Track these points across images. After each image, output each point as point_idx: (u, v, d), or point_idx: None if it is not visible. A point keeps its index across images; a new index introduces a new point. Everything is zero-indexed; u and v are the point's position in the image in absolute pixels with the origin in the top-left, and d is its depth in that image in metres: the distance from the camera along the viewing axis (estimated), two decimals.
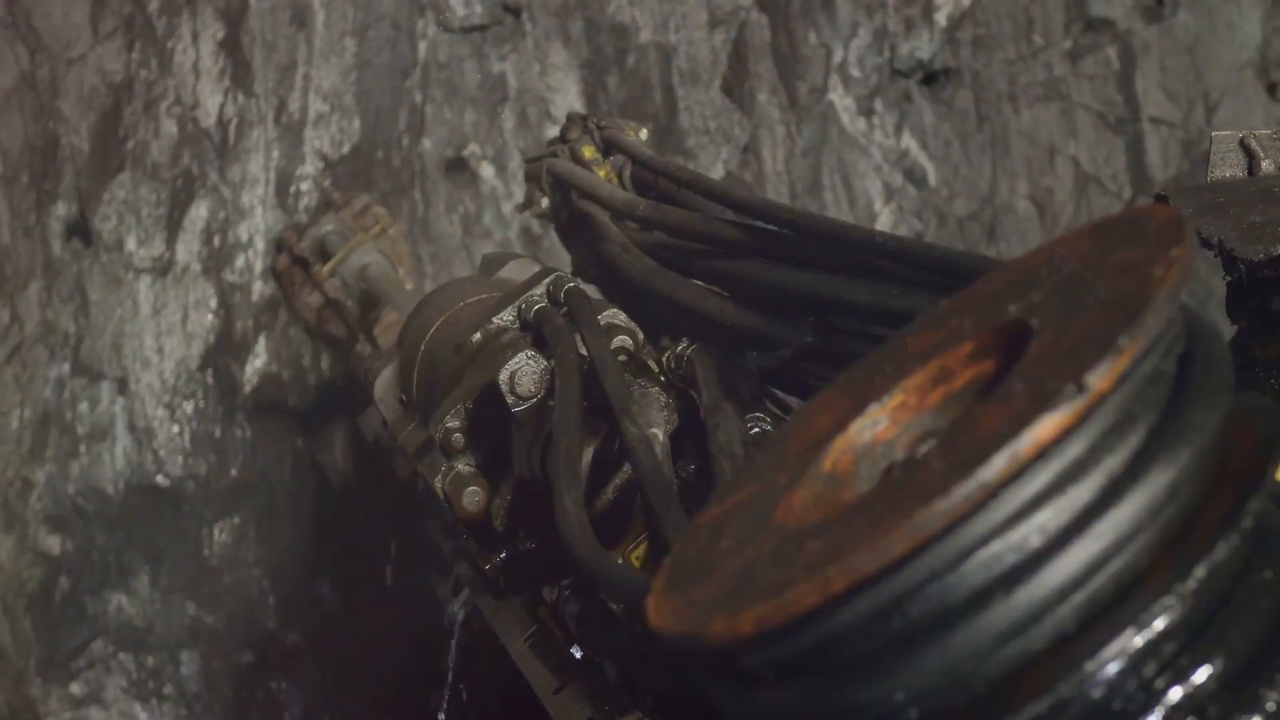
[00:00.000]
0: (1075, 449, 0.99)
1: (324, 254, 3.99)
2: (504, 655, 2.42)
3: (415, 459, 2.13)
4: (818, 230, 1.63)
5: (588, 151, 2.49)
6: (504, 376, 1.87)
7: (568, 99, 4.34)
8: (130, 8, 4.02)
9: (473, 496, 1.96)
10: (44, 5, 3.97)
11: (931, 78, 4.36)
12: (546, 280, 2.08)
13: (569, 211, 2.52)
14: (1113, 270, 1.02)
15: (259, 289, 4.12)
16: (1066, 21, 4.30)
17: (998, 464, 0.97)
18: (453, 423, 1.97)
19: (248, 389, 4.12)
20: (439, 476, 1.99)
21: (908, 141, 4.30)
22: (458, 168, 4.33)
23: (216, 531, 4.10)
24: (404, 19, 4.21)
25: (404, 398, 2.27)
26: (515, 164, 4.33)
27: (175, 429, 4.07)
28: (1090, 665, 1.00)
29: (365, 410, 3.66)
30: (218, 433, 4.10)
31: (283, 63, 4.12)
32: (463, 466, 1.98)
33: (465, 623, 2.37)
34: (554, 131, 4.39)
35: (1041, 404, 0.98)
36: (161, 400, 4.06)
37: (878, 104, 4.32)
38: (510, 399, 1.87)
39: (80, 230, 4.04)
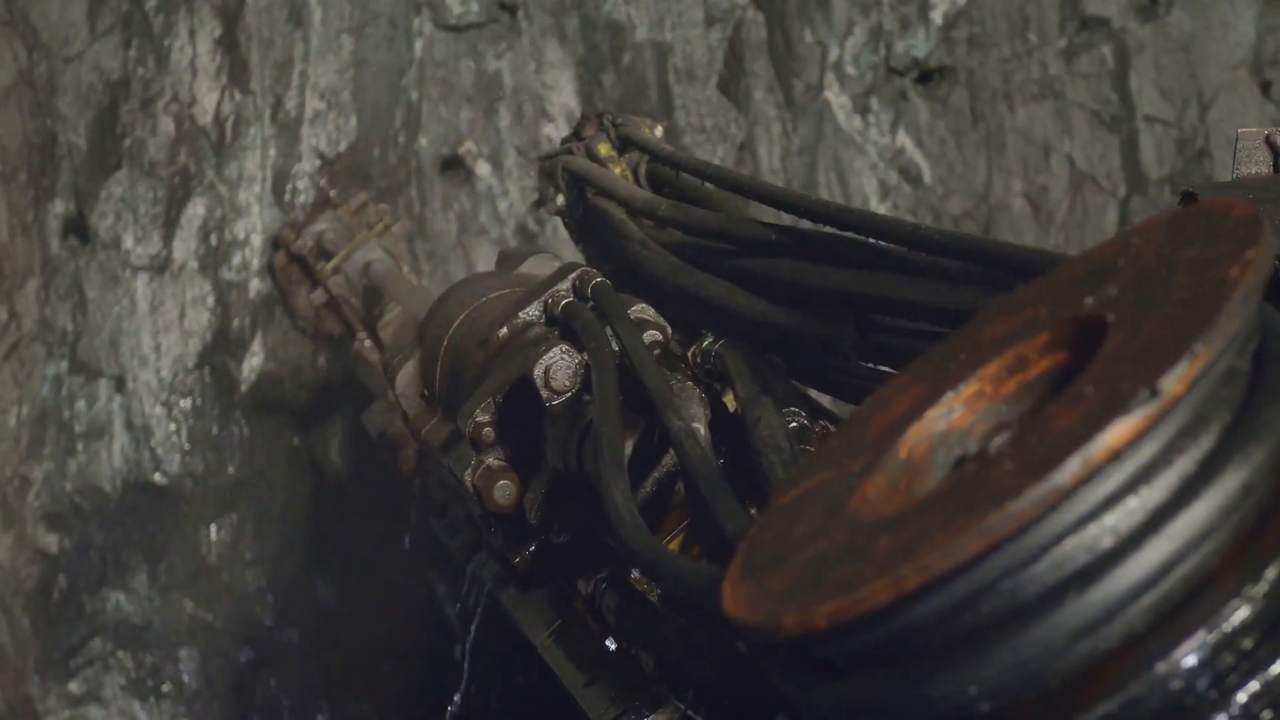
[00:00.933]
0: (1147, 451, 1.00)
1: (322, 252, 4.00)
2: (521, 649, 2.43)
3: (440, 453, 2.14)
4: (859, 224, 1.64)
5: (603, 149, 2.50)
6: (538, 371, 1.88)
7: (563, 97, 4.35)
8: (128, 5, 4.02)
9: (504, 490, 1.97)
10: (41, 2, 3.97)
11: (927, 76, 4.38)
12: (572, 275, 2.09)
13: (584, 209, 2.53)
14: (1188, 267, 1.03)
15: (256, 287, 4.11)
16: (1061, 20, 4.32)
17: (1070, 467, 0.98)
18: (482, 417, 1.98)
19: (245, 387, 4.12)
20: (468, 470, 2.00)
21: (903, 139, 4.32)
22: (453, 165, 4.34)
23: (214, 529, 4.10)
24: (400, 17, 4.21)
25: (425, 392, 2.28)
26: (511, 162, 4.34)
27: (172, 427, 4.07)
28: (1161, 666, 1.01)
29: (369, 407, 3.67)
30: (215, 430, 4.10)
31: (279, 60, 4.12)
32: (492, 460, 1.99)
33: (482, 617, 2.38)
34: (550, 129, 4.41)
35: (1114, 407, 0.99)
36: (159, 398, 4.05)
37: (873, 102, 4.34)
38: (545, 393, 1.88)
39: (77, 228, 4.04)
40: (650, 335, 1.92)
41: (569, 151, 2.55)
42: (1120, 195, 4.32)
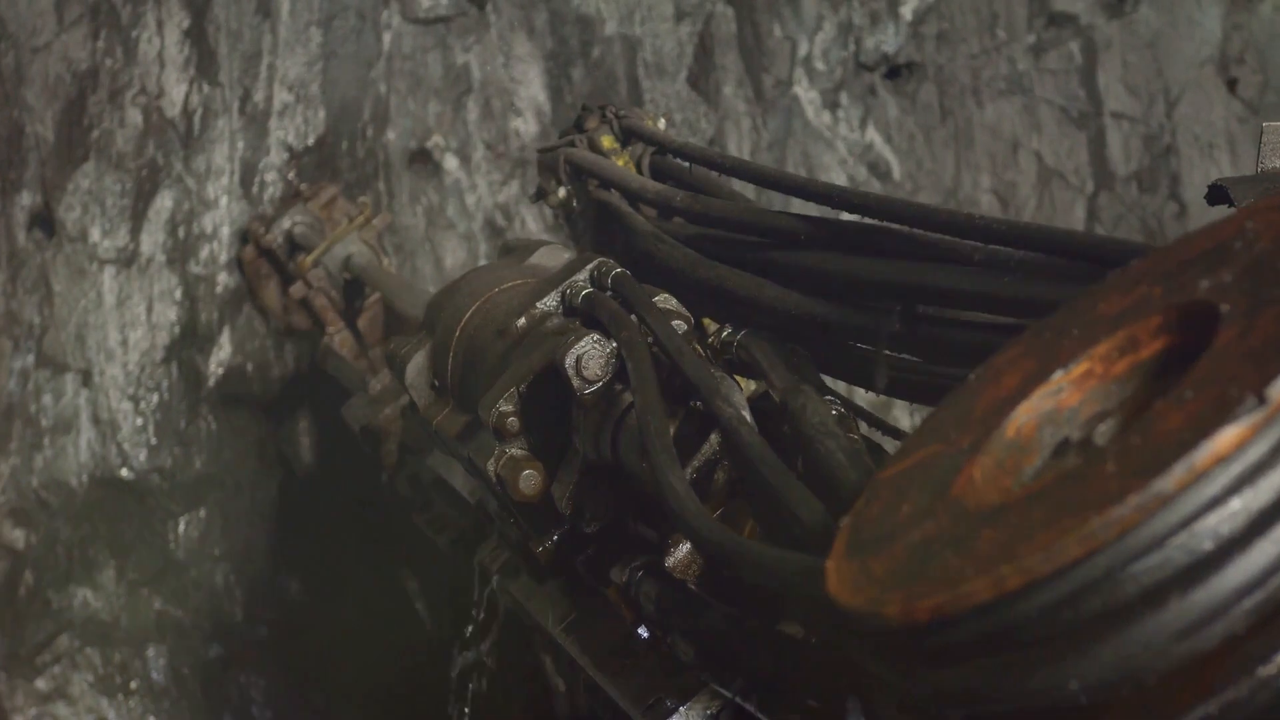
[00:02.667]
0: (1253, 455, 1.00)
1: (293, 245, 3.98)
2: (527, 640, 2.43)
3: (457, 443, 2.13)
4: (905, 215, 1.64)
5: (606, 141, 2.49)
6: (570, 360, 1.87)
7: (532, 91, 4.34)
8: None
9: (529, 480, 1.96)
10: None
11: (895, 71, 4.39)
12: (590, 265, 2.08)
13: (586, 202, 2.51)
14: None
15: (224, 280, 4.08)
16: (1029, 16, 4.35)
17: (1175, 474, 0.98)
18: (506, 406, 1.97)
19: (212, 381, 4.08)
20: (491, 460, 1.99)
21: (872, 135, 4.34)
22: (421, 159, 4.32)
23: (182, 524, 4.07)
24: (369, 9, 4.19)
25: (436, 383, 2.27)
26: (479, 155, 4.33)
27: (139, 421, 4.03)
28: (1263, 669, 1.02)
29: (348, 401, 3.65)
30: (182, 425, 4.07)
31: (248, 52, 4.09)
32: (516, 450, 1.98)
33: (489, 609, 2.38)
34: (518, 123, 4.40)
35: (1221, 413, 0.99)
36: (126, 392, 4.02)
37: (842, 97, 4.35)
38: (576, 382, 1.87)
39: (44, 220, 3.99)
40: (675, 325, 1.92)
41: (571, 144, 2.53)
42: (1088, 191, 4.35)
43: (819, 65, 4.33)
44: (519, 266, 2.33)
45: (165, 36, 4.04)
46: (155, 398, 4.04)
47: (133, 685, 4.02)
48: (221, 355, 4.10)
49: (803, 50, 4.33)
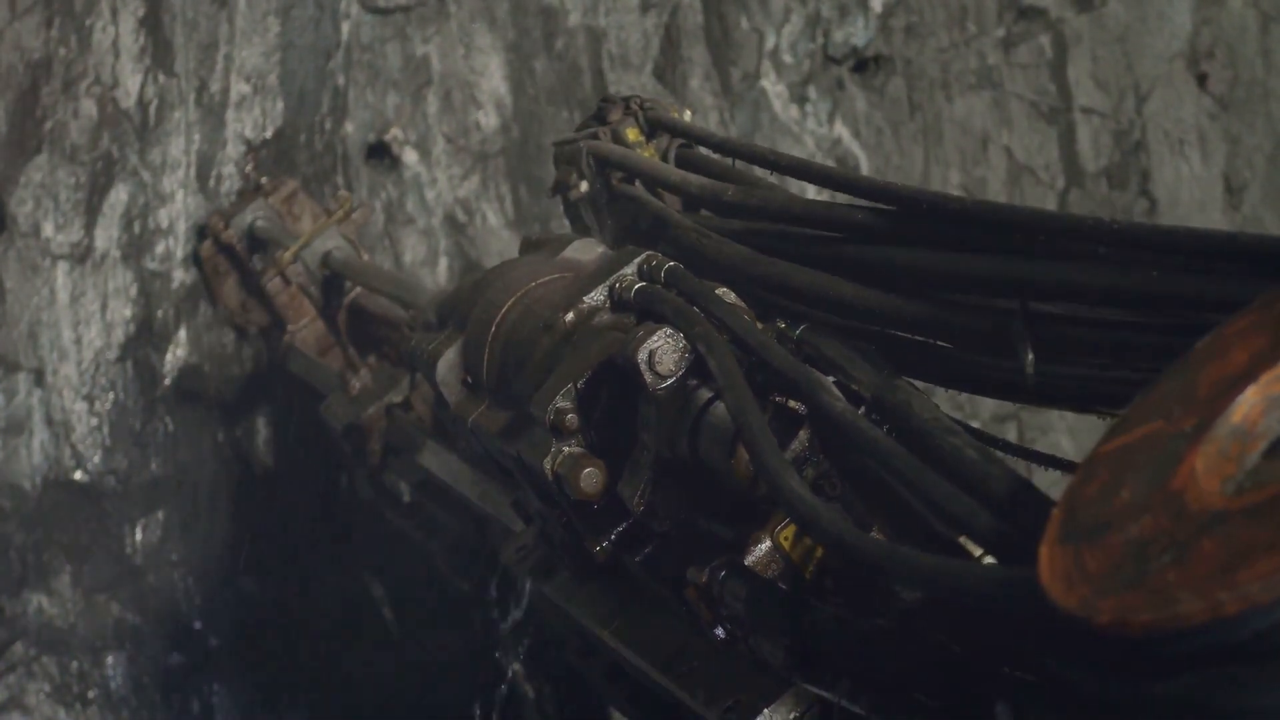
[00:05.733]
0: None
1: (253, 241, 3.88)
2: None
3: (500, 441, 2.05)
4: (1016, 221, 1.56)
5: (631, 134, 2.42)
6: (642, 355, 1.80)
7: (493, 83, 4.26)
8: None
9: (591, 478, 1.88)
10: None
11: (864, 65, 4.35)
12: (638, 259, 2.02)
13: (608, 196, 2.44)
14: None
15: (180, 277, 3.97)
16: (999, 9, 4.32)
17: None
18: (564, 403, 1.90)
19: (168, 380, 3.97)
20: (548, 458, 1.91)
21: (840, 129, 4.29)
22: (379, 153, 4.23)
23: (139, 528, 3.95)
24: None
25: (469, 379, 2.19)
26: (439, 149, 4.24)
27: (94, 422, 3.91)
28: None
29: (327, 400, 3.56)
30: (138, 426, 3.95)
31: (204, 42, 3.98)
32: (574, 447, 1.91)
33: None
34: (479, 116, 4.32)
35: None
36: (80, 392, 3.89)
37: (810, 91, 4.30)
38: (649, 378, 1.80)
39: None
40: None
41: (593, 136, 2.45)
42: (1059, 187, 4.33)
43: (787, 58, 4.28)
44: (552, 261, 2.25)
45: (120, 25, 3.92)
46: (110, 397, 3.92)
47: (91, 694, 3.90)
48: (178, 353, 3.98)
49: (770, 43, 4.28)
